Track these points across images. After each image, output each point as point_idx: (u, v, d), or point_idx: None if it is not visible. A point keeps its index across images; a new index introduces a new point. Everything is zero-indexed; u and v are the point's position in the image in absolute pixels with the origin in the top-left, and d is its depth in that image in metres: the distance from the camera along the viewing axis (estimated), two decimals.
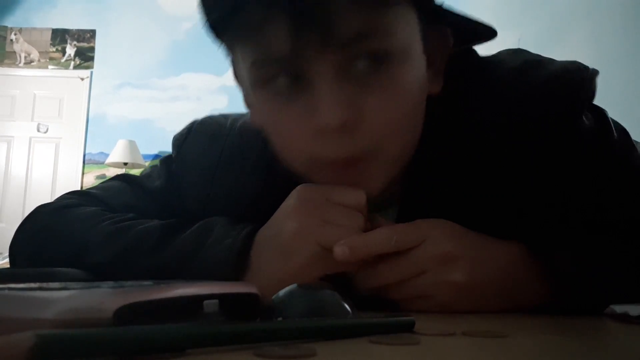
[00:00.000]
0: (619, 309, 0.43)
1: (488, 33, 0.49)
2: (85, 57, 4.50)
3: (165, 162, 0.65)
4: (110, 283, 0.27)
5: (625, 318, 0.40)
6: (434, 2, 0.44)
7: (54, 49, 4.50)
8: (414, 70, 0.43)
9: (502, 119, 0.45)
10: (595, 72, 0.46)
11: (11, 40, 4.47)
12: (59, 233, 0.54)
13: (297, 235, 0.41)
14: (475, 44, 0.51)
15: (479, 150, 0.46)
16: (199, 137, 0.61)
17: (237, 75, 0.52)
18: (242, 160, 0.56)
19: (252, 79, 0.44)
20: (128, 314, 0.23)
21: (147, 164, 4.33)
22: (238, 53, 0.47)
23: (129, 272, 0.44)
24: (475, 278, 0.41)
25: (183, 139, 0.63)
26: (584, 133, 0.46)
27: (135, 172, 4.27)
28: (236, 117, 0.62)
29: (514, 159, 0.45)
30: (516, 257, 0.43)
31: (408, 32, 0.42)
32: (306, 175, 0.45)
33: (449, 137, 0.46)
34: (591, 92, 0.46)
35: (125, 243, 0.48)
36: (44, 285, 0.27)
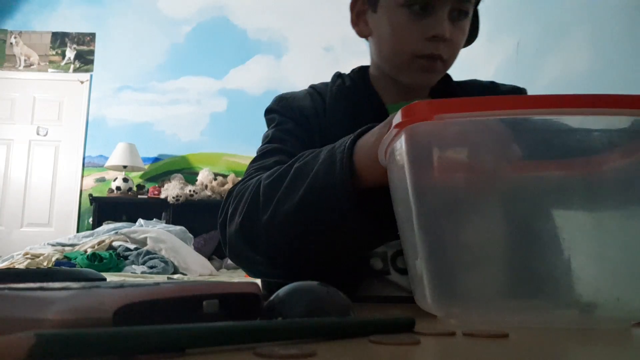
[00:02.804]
0: None
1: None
2: (85, 61, 4.50)
3: None
4: (111, 283, 0.27)
5: None
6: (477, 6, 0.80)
7: (54, 52, 4.50)
8: (467, 32, 0.76)
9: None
10: None
11: (11, 43, 4.48)
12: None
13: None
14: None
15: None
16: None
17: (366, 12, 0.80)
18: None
19: (402, 2, 0.72)
20: (128, 314, 0.23)
21: (146, 167, 4.33)
22: None
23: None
24: None
25: None
26: None
27: (135, 175, 4.28)
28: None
29: None
30: None
31: (471, 10, 0.75)
32: (399, 69, 0.76)
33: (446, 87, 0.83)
34: None
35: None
36: (44, 285, 0.27)
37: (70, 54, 4.50)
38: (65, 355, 0.18)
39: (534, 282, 0.36)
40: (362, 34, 0.80)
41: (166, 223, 3.73)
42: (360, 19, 0.80)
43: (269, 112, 0.84)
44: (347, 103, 0.80)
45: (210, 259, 3.72)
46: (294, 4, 4.55)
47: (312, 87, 0.85)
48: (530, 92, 0.83)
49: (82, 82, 4.48)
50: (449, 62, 0.75)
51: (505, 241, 0.38)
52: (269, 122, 0.83)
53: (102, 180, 4.36)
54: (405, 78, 0.77)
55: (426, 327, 0.30)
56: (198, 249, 3.63)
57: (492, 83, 0.85)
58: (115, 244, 3.15)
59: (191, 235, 3.61)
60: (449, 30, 0.70)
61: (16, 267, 2.76)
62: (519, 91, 0.83)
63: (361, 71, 0.85)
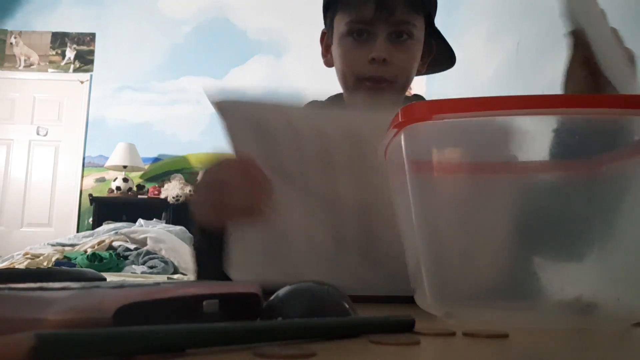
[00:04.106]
0: None
1: (450, 60, 0.90)
2: (85, 61, 4.50)
3: None
4: (111, 283, 0.27)
5: None
6: (433, 22, 0.84)
7: (54, 52, 4.50)
8: (417, 51, 0.82)
9: None
10: None
11: (11, 43, 4.48)
12: None
13: None
14: (439, 65, 0.91)
15: None
16: None
17: (328, 44, 0.89)
18: None
19: (345, 32, 0.81)
20: (128, 314, 0.23)
21: (146, 167, 4.33)
22: (338, 19, 0.82)
23: None
24: None
25: None
26: None
27: (135, 175, 4.28)
28: None
29: None
30: None
31: (420, 31, 0.81)
32: (351, 92, 0.83)
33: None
34: None
35: None
36: (44, 285, 0.27)
37: (70, 54, 4.50)
38: (65, 356, 0.18)
39: (534, 282, 0.36)
40: (328, 64, 0.90)
41: (166, 223, 3.73)
42: (327, 51, 0.89)
43: None
44: None
45: None
46: (294, 4, 4.55)
47: None
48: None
49: (82, 82, 4.48)
50: (398, 82, 0.80)
51: (505, 241, 0.38)
52: None
53: (102, 180, 4.35)
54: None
55: (426, 327, 0.30)
56: None
57: None
58: (115, 244, 3.15)
59: (191, 235, 3.60)
60: (388, 52, 0.77)
61: (16, 267, 2.76)
62: None
63: (337, 96, 0.94)
